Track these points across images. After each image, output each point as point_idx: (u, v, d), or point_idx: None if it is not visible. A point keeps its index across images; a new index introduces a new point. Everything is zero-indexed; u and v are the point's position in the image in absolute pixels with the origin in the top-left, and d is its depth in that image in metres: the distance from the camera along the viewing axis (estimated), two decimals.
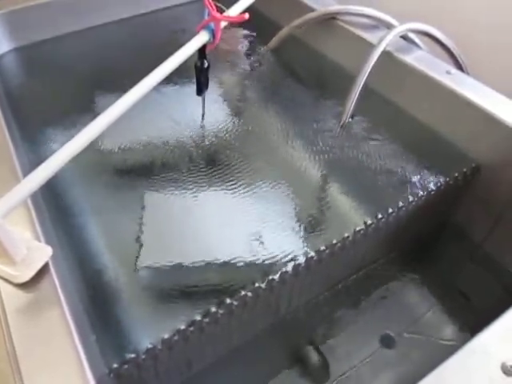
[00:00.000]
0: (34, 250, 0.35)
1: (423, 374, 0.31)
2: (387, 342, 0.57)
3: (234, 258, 0.42)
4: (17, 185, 0.34)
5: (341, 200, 0.49)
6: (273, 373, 0.52)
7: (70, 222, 0.45)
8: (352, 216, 0.47)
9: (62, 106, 0.60)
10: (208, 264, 0.42)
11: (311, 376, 0.55)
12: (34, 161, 0.48)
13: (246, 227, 0.45)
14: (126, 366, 0.35)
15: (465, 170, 0.52)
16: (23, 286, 0.34)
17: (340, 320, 0.57)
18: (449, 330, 0.56)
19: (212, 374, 0.47)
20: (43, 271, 0.35)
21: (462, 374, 0.31)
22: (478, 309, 0.57)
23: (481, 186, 0.55)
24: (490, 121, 0.51)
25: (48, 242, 0.37)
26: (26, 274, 0.34)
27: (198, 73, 0.52)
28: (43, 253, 0.35)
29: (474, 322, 0.56)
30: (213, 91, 0.60)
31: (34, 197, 0.40)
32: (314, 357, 0.55)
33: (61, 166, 0.36)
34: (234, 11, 0.49)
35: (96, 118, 0.39)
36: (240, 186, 0.49)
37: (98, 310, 0.39)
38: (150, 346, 0.36)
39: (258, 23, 0.68)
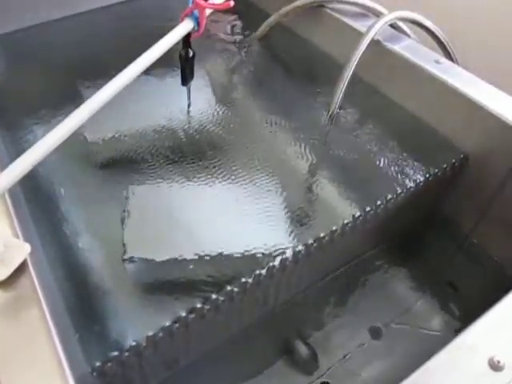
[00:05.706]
0: (12, 248, 0.34)
1: (411, 364, 0.31)
2: (375, 333, 0.57)
3: (220, 253, 0.41)
4: None
5: (328, 192, 0.49)
6: (261, 367, 0.52)
7: (51, 217, 0.44)
8: (340, 209, 0.47)
9: (42, 95, 0.59)
10: (193, 259, 0.41)
11: (300, 368, 0.55)
12: (12, 152, 0.47)
13: (233, 221, 0.45)
14: (109, 364, 0.35)
15: (453, 160, 0.52)
16: (0, 284, 0.33)
17: (329, 312, 0.57)
18: (437, 321, 0.57)
19: (199, 369, 0.46)
20: (21, 269, 0.34)
21: (450, 370, 0.31)
22: (466, 299, 0.58)
23: (469, 177, 0.54)
24: (478, 111, 0.51)
25: (27, 239, 0.36)
26: (3, 273, 0.33)
27: (183, 62, 0.51)
28: (21, 250, 0.34)
29: (461, 312, 0.56)
30: (198, 81, 0.58)
31: (12, 191, 0.38)
32: (302, 349, 0.55)
33: (41, 158, 0.35)
34: None
35: (78, 107, 0.38)
36: (226, 178, 0.49)
37: (80, 307, 0.38)
38: (133, 343, 0.36)
39: (244, 11, 0.67)
